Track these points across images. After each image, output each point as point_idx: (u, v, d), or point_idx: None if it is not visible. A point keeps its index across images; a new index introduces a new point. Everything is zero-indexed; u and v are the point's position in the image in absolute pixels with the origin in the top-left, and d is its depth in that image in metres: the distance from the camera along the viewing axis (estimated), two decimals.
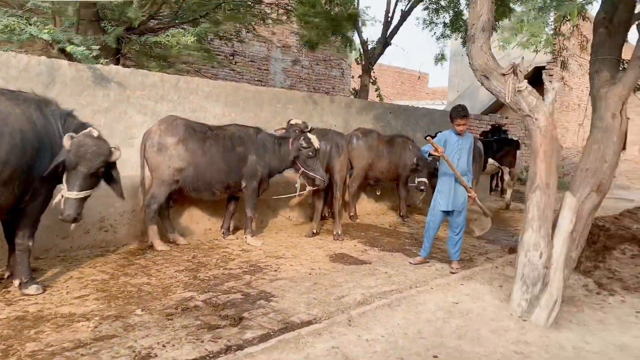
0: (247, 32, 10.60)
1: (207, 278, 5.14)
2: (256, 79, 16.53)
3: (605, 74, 5.77)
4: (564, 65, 9.67)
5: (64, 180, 4.32)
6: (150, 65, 8.60)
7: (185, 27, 9.01)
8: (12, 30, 6.73)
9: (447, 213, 6.07)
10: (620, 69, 6.14)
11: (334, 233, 7.25)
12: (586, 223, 5.23)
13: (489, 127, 12.87)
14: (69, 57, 6.96)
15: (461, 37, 13.77)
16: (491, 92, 5.57)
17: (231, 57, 15.66)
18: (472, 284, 5.42)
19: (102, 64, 6.84)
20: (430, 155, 6.10)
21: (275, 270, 5.53)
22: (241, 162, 6.45)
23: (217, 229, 7.04)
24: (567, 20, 7.55)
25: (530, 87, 5.15)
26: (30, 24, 6.61)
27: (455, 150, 5.97)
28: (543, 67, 18.04)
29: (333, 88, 19.09)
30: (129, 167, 6.31)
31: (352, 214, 8.76)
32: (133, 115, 7.17)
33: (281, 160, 6.76)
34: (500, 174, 12.73)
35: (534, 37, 5.14)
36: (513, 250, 7.12)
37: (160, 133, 6.06)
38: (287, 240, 7.02)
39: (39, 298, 4.33)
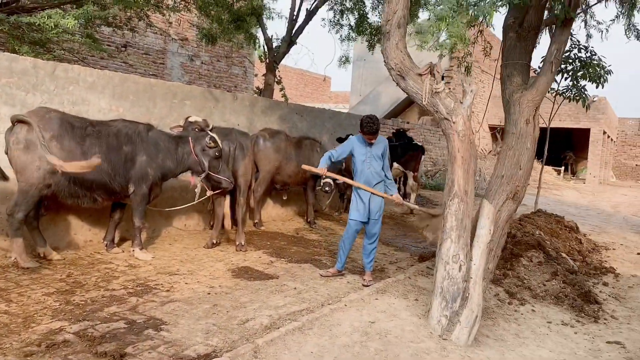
0: (139, 19, 9.59)
1: (83, 302, 4.28)
2: (151, 73, 15.33)
3: (516, 78, 5.69)
4: (468, 71, 9.74)
5: None
6: (22, 49, 7.39)
7: (65, 8, 7.90)
8: None
9: (364, 223, 5.67)
10: (532, 74, 6.13)
11: (237, 243, 6.58)
12: (502, 232, 5.08)
13: (393, 131, 12.82)
14: None
15: (366, 41, 13.69)
16: (407, 93, 5.25)
17: (123, 48, 14.40)
18: (387, 299, 5.04)
19: None
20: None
21: (168, 290, 4.78)
22: (129, 163, 5.60)
23: (99, 241, 6.09)
24: (474, 25, 7.51)
25: (447, 89, 4.89)
26: None
27: (365, 157, 5.58)
28: (442, 75, 18.62)
29: (235, 87, 18.31)
30: None
31: (256, 221, 8.13)
32: None
33: (178, 162, 6.00)
34: (403, 179, 12.73)
35: (452, 37, 4.86)
36: (423, 258, 6.91)
37: (29, 128, 5.06)
38: (182, 252, 6.24)
39: None
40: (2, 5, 7.25)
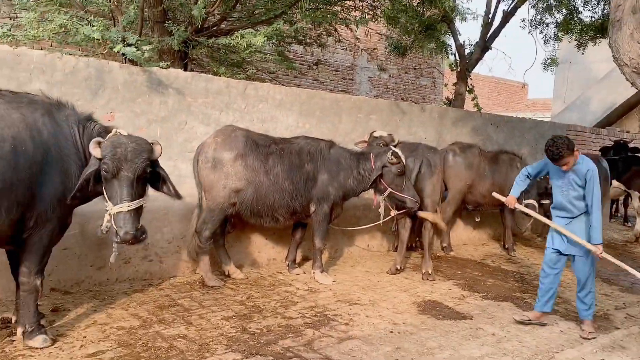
0: (329, 35, 9.55)
1: (259, 331, 4.04)
2: (340, 89, 15.56)
3: None
4: None
5: (105, 196, 3.49)
6: (220, 70, 7.78)
7: (258, 28, 8.15)
8: (67, 30, 6.14)
9: (565, 255, 4.57)
10: None
11: (423, 271, 5.90)
12: None
13: (611, 143, 10.88)
14: (132, 62, 6.28)
15: (575, 40, 12.00)
16: None
17: (314, 66, 14.83)
18: (618, 359, 3.91)
19: (161, 67, 6.06)
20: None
21: (347, 324, 4.32)
22: (310, 182, 5.34)
23: (282, 259, 5.96)
24: None
25: None
26: (84, 24, 5.97)
27: (561, 183, 4.52)
28: None
29: (423, 98, 17.69)
30: (188, 184, 5.40)
31: (445, 245, 7.35)
32: (194, 125, 6.32)
33: (360, 180, 5.57)
34: (624, 199, 10.76)
35: None
36: None
37: (216, 146, 5.10)
38: (364, 277, 5.78)
39: (45, 353, 3.43)
40: (203, 29, 7.69)
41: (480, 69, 18.35)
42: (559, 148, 4.26)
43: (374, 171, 5.45)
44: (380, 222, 5.81)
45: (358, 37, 12.62)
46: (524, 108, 30.87)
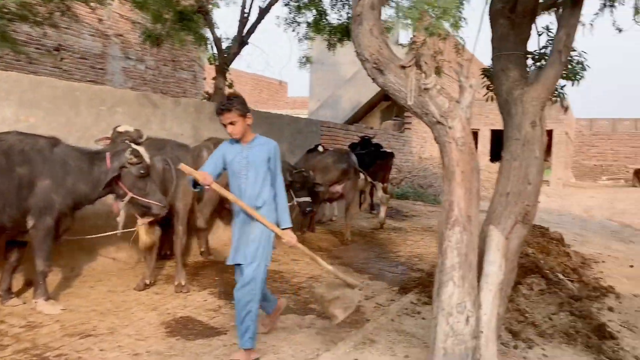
0: (62, 14, 8.17)
1: None
2: (89, 79, 13.83)
3: (513, 72, 4.70)
4: (438, 71, 8.81)
5: None
6: None
7: None
8: None
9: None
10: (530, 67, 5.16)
11: (176, 283, 5.29)
12: (513, 266, 4.00)
13: (358, 138, 11.77)
14: None
15: (325, 40, 12.67)
16: (386, 91, 4.16)
17: (55, 52, 12.91)
18: (370, 356, 3.89)
19: None
20: (196, 186, 3.74)
21: None
22: (25, 189, 4.26)
23: None
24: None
25: (439, 86, 3.82)
26: None
27: (239, 167, 3.74)
28: None
29: (184, 93, 16.94)
30: None
31: (203, 249, 6.85)
32: None
33: (95, 185, 4.68)
34: (370, 190, 11.75)
35: (446, 15, 3.81)
36: (405, 289, 5.82)
37: None
38: (105, 299, 4.90)
39: None
40: None
41: (240, 65, 18.40)
42: (231, 100, 3.66)
43: (110, 172, 4.61)
44: (115, 232, 4.94)
45: (102, 18, 11.29)
46: (285, 106, 32.36)
